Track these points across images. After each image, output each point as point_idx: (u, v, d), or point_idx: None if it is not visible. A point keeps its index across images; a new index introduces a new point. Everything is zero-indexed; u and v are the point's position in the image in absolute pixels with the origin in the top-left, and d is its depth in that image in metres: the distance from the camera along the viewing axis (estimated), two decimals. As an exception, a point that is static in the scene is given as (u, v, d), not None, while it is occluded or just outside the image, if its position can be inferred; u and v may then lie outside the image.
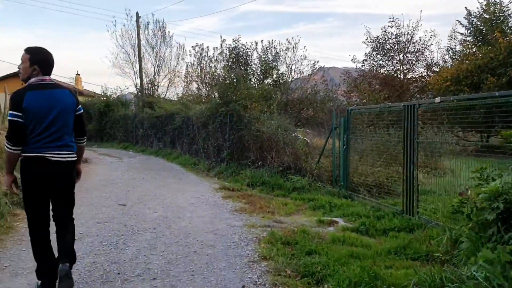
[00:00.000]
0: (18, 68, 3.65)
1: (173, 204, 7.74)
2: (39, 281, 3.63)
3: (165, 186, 9.75)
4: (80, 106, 3.73)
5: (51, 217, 3.67)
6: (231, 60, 14.20)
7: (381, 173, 10.05)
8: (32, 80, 3.51)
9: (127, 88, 25.21)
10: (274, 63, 14.54)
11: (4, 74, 32.41)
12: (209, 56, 18.76)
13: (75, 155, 3.66)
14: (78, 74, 38.83)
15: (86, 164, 13.40)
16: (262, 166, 10.93)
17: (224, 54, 16.64)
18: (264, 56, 14.46)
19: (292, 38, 15.56)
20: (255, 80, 14.41)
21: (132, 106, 23.72)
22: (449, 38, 24.48)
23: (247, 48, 14.03)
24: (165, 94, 24.69)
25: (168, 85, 24.85)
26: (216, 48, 17.73)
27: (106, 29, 53.07)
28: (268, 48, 15.02)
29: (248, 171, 10.76)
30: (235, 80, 12.74)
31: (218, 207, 7.55)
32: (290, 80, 16.40)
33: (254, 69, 14.34)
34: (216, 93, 14.39)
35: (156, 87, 24.28)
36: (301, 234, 5.64)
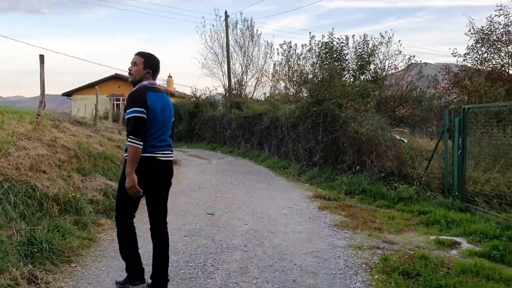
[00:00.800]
0: (129, 70, 3.73)
1: (264, 214, 7.00)
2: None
3: (254, 192, 9.08)
4: None
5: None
6: (323, 55, 13.24)
7: (499, 180, 8.66)
8: (145, 82, 3.64)
9: (216, 89, 25.21)
10: (371, 58, 13.36)
11: (105, 77, 34.45)
12: (297, 54, 17.96)
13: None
14: (170, 76, 39.91)
15: (176, 166, 13.19)
16: (360, 171, 9.89)
17: (313, 51, 15.75)
18: (360, 50, 13.31)
19: (386, 32, 14.25)
20: (349, 76, 13.33)
21: (220, 107, 23.59)
22: None
23: (341, 42, 12.98)
24: (252, 94, 24.35)
25: (256, 84, 24.49)
26: (305, 45, 16.84)
27: (195, 30, 53.87)
28: (362, 42, 13.85)
29: (344, 177, 9.76)
30: (328, 77, 11.78)
31: (315, 220, 6.68)
32: (384, 76, 15.02)
33: (348, 64, 13.27)
34: (306, 92, 13.53)
35: (244, 87, 24.00)
36: (421, 260, 4.59)
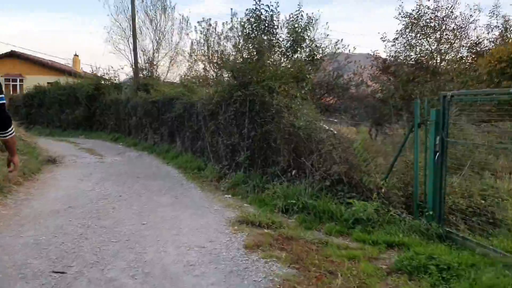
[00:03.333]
0: None
1: (157, 266, 4.21)
2: None
3: (152, 213, 6.24)
4: None
5: None
6: (249, 27, 10.62)
7: (474, 189, 6.78)
8: None
9: (122, 68, 21.84)
10: (305, 32, 10.96)
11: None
12: (218, 33, 15.32)
13: None
14: (76, 55, 36.67)
15: (54, 166, 9.95)
16: (298, 177, 7.44)
17: (235, 30, 13.21)
18: (293, 22, 10.84)
19: (312, 13, 12.04)
20: (281, 54, 10.84)
21: (127, 89, 20.15)
22: (489, 15, 20.62)
23: (271, 10, 10.43)
24: (166, 75, 21.20)
25: (170, 64, 21.33)
26: (226, 22, 14.20)
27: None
28: (295, 14, 11.42)
29: (277, 186, 7.25)
30: (255, 53, 9.15)
31: (242, 278, 4.00)
32: (322, 57, 12.85)
33: (279, 39, 10.77)
34: (227, 74, 10.89)
35: (155, 67, 20.73)
36: None
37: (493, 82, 17.02)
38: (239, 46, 10.46)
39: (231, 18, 13.38)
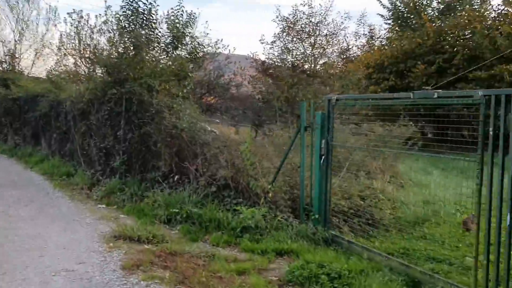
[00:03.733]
0: None
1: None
2: None
3: (9, 230, 5.29)
4: None
5: None
6: (125, 20, 9.83)
7: (354, 191, 7.05)
8: None
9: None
10: (187, 29, 10.51)
11: None
12: (90, 26, 14.13)
13: None
14: None
15: None
16: (181, 183, 6.96)
17: (110, 23, 12.28)
18: (173, 18, 10.29)
19: (192, 10, 11.73)
20: (160, 50, 10.25)
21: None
22: (357, 23, 22.43)
23: (150, 3, 9.73)
24: (30, 69, 19.20)
25: (35, 57, 19.33)
26: (100, 15, 13.18)
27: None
28: (175, 10, 10.88)
29: (158, 193, 6.71)
30: (132, 48, 8.46)
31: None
32: (203, 55, 12.53)
33: (159, 35, 10.14)
34: (100, 69, 10.01)
35: (18, 59, 18.65)
36: None
37: (361, 86, 18.33)
38: (114, 40, 9.65)
39: (105, 11, 12.44)
